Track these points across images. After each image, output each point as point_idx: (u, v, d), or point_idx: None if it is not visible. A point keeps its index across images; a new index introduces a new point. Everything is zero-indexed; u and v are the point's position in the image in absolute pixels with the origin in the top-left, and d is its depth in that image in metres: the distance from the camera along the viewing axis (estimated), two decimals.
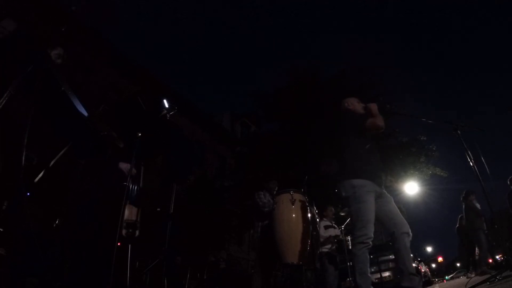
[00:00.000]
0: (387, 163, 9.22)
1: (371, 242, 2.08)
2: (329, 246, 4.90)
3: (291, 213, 2.92)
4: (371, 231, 2.08)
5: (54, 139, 1.92)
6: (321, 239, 4.77)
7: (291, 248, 2.80)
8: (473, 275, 5.28)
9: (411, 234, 2.13)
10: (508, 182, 5.50)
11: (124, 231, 2.20)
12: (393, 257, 6.29)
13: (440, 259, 36.51)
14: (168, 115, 2.43)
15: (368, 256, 2.11)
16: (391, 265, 6.54)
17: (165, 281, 2.42)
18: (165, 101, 2.47)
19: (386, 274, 6.39)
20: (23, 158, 1.33)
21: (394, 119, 8.68)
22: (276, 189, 3.80)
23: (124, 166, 2.37)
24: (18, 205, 1.49)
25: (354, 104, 2.57)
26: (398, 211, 2.24)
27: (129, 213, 2.27)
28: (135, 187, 2.37)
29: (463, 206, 5.91)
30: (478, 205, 5.81)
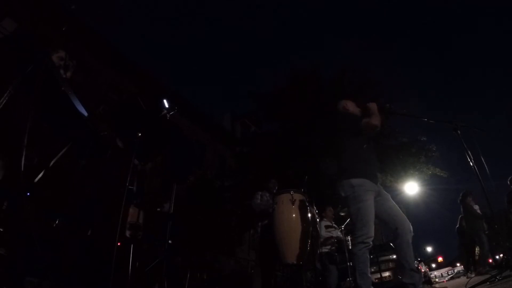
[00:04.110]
0: (387, 163, 9.23)
1: (371, 242, 2.08)
2: (329, 246, 4.90)
3: (291, 213, 2.92)
4: (371, 230, 2.08)
5: (54, 139, 1.92)
6: (321, 239, 4.77)
7: (291, 248, 2.80)
8: (473, 275, 5.28)
9: (412, 231, 2.14)
10: (508, 182, 5.51)
11: (128, 233, 2.21)
12: (393, 257, 6.33)
13: (440, 259, 36.48)
14: (168, 115, 2.42)
15: (369, 256, 2.11)
16: (391, 265, 6.53)
17: (165, 281, 2.42)
18: (165, 101, 2.47)
19: (386, 274, 6.39)
20: (23, 158, 1.32)
21: (394, 119, 8.67)
22: (276, 188, 3.80)
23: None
24: (18, 205, 1.49)
25: (350, 106, 2.59)
26: (398, 207, 2.25)
27: (131, 214, 2.28)
28: (137, 188, 2.37)
29: (462, 208, 5.93)
30: (476, 206, 5.82)
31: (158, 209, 3.84)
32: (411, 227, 2.14)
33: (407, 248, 2.07)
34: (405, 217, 2.19)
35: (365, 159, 2.30)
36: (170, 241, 2.53)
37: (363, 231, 2.07)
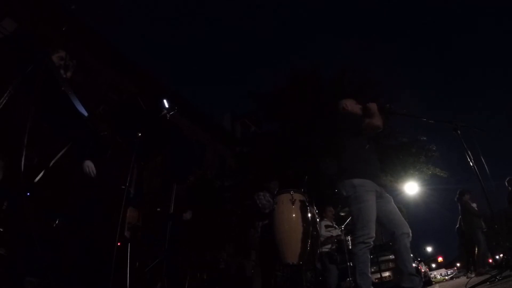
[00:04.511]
0: (387, 163, 9.23)
1: (372, 242, 2.08)
2: (329, 246, 4.90)
3: (291, 213, 2.92)
4: (372, 230, 2.07)
5: (54, 139, 1.92)
6: (322, 239, 4.77)
7: (291, 248, 2.80)
8: (473, 275, 5.28)
9: (411, 234, 2.13)
10: (506, 184, 5.51)
11: (127, 233, 2.21)
12: (393, 257, 6.32)
13: (440, 259, 36.50)
14: (168, 115, 2.43)
15: (369, 256, 2.11)
16: (391, 265, 6.53)
17: (165, 281, 2.42)
18: (165, 101, 2.48)
19: (386, 274, 6.38)
20: (23, 158, 1.32)
21: (394, 119, 8.67)
22: (277, 189, 3.80)
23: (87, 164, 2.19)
24: (18, 205, 1.49)
25: (351, 105, 2.58)
26: (398, 211, 2.24)
27: (131, 215, 2.28)
28: (136, 189, 2.37)
29: (459, 206, 5.93)
30: (474, 205, 5.82)
31: (158, 209, 3.85)
32: (409, 231, 2.12)
33: (405, 253, 2.06)
34: (404, 221, 2.18)
35: (365, 159, 2.30)
36: (173, 241, 2.53)
37: (364, 231, 2.07)
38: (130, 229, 2.26)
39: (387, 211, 2.20)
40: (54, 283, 1.38)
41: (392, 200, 2.28)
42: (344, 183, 2.24)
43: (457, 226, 6.82)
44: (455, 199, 6.00)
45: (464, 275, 8.53)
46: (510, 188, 5.48)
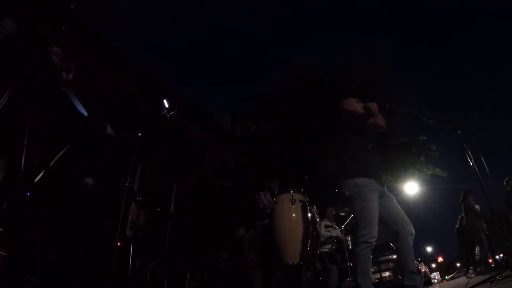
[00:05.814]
0: (387, 163, 9.23)
1: (374, 242, 2.08)
2: (329, 246, 4.90)
3: (291, 213, 2.92)
4: (375, 230, 2.07)
5: (54, 139, 1.92)
6: (322, 239, 4.77)
7: (291, 248, 2.80)
8: (473, 275, 5.28)
9: (414, 233, 2.13)
10: (505, 183, 5.51)
11: (129, 232, 2.21)
12: (393, 257, 6.33)
13: (440, 259, 36.53)
14: (168, 115, 2.43)
15: (371, 256, 2.11)
16: (391, 265, 6.54)
17: (165, 281, 2.42)
18: (165, 101, 2.48)
19: (386, 274, 6.39)
20: (23, 158, 1.32)
21: (394, 119, 8.67)
22: (277, 189, 3.80)
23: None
24: (18, 205, 1.49)
25: (354, 105, 2.57)
26: (401, 209, 2.24)
27: (133, 213, 2.28)
28: (138, 187, 2.38)
29: (462, 207, 5.93)
30: (477, 206, 5.83)
31: (158, 209, 3.84)
32: (412, 229, 2.13)
33: (408, 251, 2.06)
34: (407, 219, 2.18)
35: (366, 159, 2.29)
36: (173, 241, 2.53)
37: (366, 231, 2.07)
38: (132, 228, 2.26)
39: (390, 209, 2.20)
40: (54, 283, 1.38)
41: (394, 199, 2.28)
42: (347, 182, 2.23)
43: (457, 226, 6.83)
44: (460, 200, 6.01)
45: (464, 275, 8.53)
46: (508, 188, 5.47)
